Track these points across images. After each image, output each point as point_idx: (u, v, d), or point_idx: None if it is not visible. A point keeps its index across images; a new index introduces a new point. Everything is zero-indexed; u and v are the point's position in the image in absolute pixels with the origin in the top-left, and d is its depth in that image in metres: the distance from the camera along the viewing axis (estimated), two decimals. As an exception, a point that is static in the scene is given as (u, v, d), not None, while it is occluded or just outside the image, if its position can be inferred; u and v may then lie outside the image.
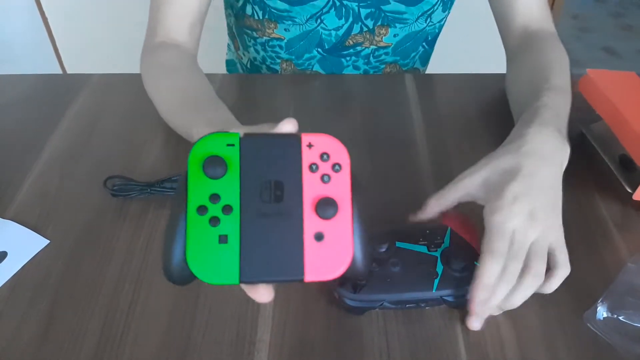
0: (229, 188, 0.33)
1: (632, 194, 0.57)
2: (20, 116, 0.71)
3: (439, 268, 0.46)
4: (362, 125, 0.69)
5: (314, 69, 0.83)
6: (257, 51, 0.83)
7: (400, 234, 0.48)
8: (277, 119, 0.37)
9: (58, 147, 0.66)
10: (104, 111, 0.72)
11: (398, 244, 0.47)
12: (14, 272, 0.51)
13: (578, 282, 0.50)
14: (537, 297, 0.48)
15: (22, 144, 0.67)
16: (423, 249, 0.47)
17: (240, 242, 0.32)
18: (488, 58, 1.19)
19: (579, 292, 0.49)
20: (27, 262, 0.52)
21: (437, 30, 0.83)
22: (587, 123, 0.65)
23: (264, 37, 0.79)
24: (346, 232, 0.34)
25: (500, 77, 0.75)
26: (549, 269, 0.44)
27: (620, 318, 0.46)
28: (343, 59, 0.82)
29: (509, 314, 0.47)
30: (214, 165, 0.33)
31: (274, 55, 0.82)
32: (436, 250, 0.47)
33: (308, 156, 0.34)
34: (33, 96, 0.75)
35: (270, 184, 0.34)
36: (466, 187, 0.48)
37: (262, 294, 0.35)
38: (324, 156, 0.35)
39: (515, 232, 0.43)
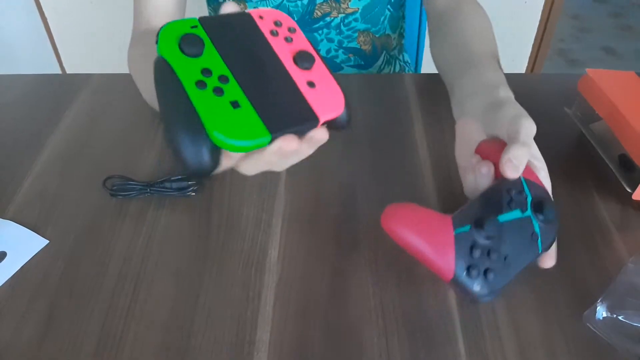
0: (214, 61, 0.33)
1: (631, 194, 0.57)
2: (20, 116, 0.71)
3: (536, 227, 0.45)
4: (362, 125, 0.69)
5: None
6: None
7: (491, 207, 0.45)
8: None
9: (57, 147, 0.66)
10: (103, 111, 0.72)
11: (500, 218, 0.44)
12: (14, 272, 0.51)
13: (577, 282, 0.50)
14: (537, 298, 0.49)
15: (22, 143, 0.67)
16: (517, 213, 0.44)
17: (251, 103, 0.33)
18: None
19: (578, 292, 0.49)
20: (27, 262, 0.52)
21: None
22: (587, 123, 0.65)
23: None
24: (328, 76, 0.37)
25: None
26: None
27: (620, 318, 0.46)
28: (316, 34, 0.83)
29: (509, 315, 0.47)
30: (192, 42, 0.33)
31: None
32: (526, 209, 0.45)
33: (264, 26, 0.37)
34: (32, 96, 0.75)
35: (247, 52, 0.35)
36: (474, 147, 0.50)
37: (292, 141, 0.34)
38: (277, 22, 0.37)
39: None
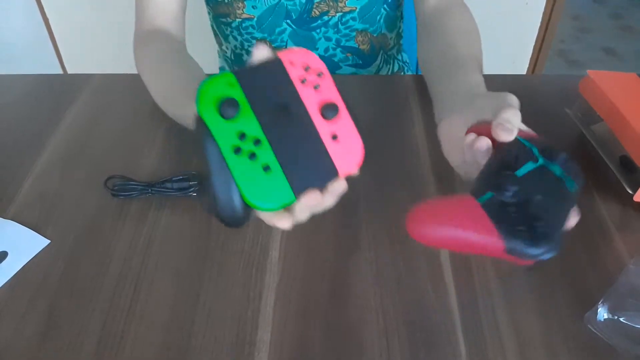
0: (249, 122, 0.36)
1: (632, 195, 0.57)
2: (21, 116, 0.72)
3: (556, 170, 0.42)
4: (362, 126, 0.69)
5: (287, 46, 0.85)
6: (235, 38, 0.86)
7: (502, 169, 0.42)
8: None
9: (59, 147, 0.66)
10: (104, 111, 0.72)
11: (518, 172, 0.42)
12: (15, 272, 0.51)
13: (578, 283, 0.50)
14: (538, 299, 0.49)
15: (23, 144, 0.67)
16: (530, 165, 0.42)
17: (281, 165, 0.36)
18: (487, 59, 1.18)
19: (579, 293, 0.49)
20: (28, 262, 0.52)
21: None
22: (588, 124, 0.65)
23: (237, 20, 0.82)
24: (350, 126, 0.39)
25: (500, 78, 0.75)
26: None
27: (621, 319, 0.46)
28: (314, 33, 0.83)
29: (510, 315, 0.47)
30: (230, 107, 0.35)
31: (249, 37, 0.84)
32: (537, 159, 0.43)
33: (294, 73, 0.38)
34: (34, 96, 0.75)
35: (279, 107, 0.37)
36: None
37: (315, 197, 0.37)
38: (307, 67, 0.39)
39: None
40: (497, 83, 0.74)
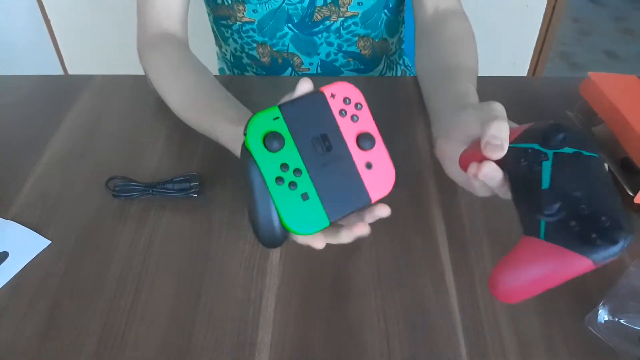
0: (291, 154, 0.39)
1: (633, 197, 0.57)
2: (22, 117, 0.72)
3: (569, 150, 0.41)
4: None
5: (289, 50, 0.84)
6: (235, 40, 0.86)
7: (528, 185, 0.41)
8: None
9: (60, 147, 0.66)
10: (105, 112, 0.72)
11: (544, 184, 0.40)
12: (15, 272, 0.52)
13: (579, 285, 0.50)
14: (539, 300, 0.49)
15: (24, 144, 0.67)
16: (547, 165, 0.41)
17: (318, 193, 0.39)
18: (488, 61, 1.18)
19: (580, 295, 0.49)
20: (29, 262, 0.52)
21: None
22: (589, 126, 0.65)
23: (237, 23, 0.82)
24: (385, 155, 0.42)
25: (501, 80, 0.75)
26: None
27: (622, 321, 0.46)
28: (315, 37, 0.83)
29: (510, 316, 0.47)
30: (275, 140, 0.39)
31: (249, 40, 0.84)
32: (546, 155, 0.42)
33: (335, 105, 0.41)
34: (35, 97, 0.75)
35: (319, 138, 0.40)
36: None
37: (360, 226, 0.42)
38: (346, 100, 0.42)
39: None
40: (498, 85, 0.74)
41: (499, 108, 0.46)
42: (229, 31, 0.84)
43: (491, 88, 0.74)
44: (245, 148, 0.39)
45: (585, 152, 0.41)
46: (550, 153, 0.42)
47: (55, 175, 0.62)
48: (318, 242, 0.43)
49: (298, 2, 0.78)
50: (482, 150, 0.42)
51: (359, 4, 0.79)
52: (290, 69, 0.87)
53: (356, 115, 0.42)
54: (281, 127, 0.40)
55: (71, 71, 1.90)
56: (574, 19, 2.72)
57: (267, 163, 0.39)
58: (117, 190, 0.58)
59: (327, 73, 0.87)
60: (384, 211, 0.43)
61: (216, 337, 0.46)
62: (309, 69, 0.87)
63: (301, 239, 0.43)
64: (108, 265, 0.52)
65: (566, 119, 0.67)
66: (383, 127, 0.69)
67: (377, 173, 0.42)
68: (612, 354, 0.45)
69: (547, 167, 0.41)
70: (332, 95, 0.42)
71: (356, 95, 0.43)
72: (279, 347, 0.45)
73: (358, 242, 0.54)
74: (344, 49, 0.85)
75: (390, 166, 0.43)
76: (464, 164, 0.46)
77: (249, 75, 0.89)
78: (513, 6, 1.69)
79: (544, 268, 0.38)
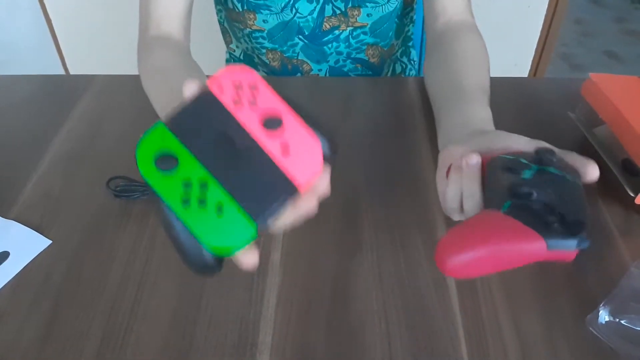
0: (190, 168, 0.34)
1: (634, 198, 0.57)
2: (24, 117, 0.72)
3: (552, 169, 0.42)
4: (365, 129, 0.69)
5: (299, 57, 0.85)
6: (246, 42, 0.86)
7: (507, 176, 0.42)
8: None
9: (61, 148, 0.66)
10: (107, 112, 0.72)
11: (526, 171, 0.41)
12: (16, 272, 0.52)
13: (580, 285, 0.50)
14: (540, 301, 0.49)
15: (26, 144, 0.67)
16: (528, 172, 0.42)
17: (234, 198, 0.34)
18: (490, 62, 1.19)
19: (581, 295, 0.49)
20: (30, 262, 0.52)
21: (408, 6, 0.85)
22: (590, 127, 0.65)
23: (247, 29, 0.82)
24: (301, 131, 0.36)
25: (503, 81, 0.75)
26: None
27: (623, 322, 0.46)
28: (325, 47, 0.83)
29: (512, 317, 0.47)
30: (165, 159, 0.34)
31: (258, 46, 0.84)
32: (530, 166, 0.42)
33: (226, 97, 0.36)
34: (37, 97, 0.75)
35: (218, 140, 0.35)
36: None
37: (292, 215, 0.36)
38: (238, 86, 0.37)
39: None
40: (499, 86, 0.74)
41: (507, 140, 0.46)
42: (240, 33, 0.85)
43: (492, 89, 0.74)
44: (144, 180, 0.35)
45: (568, 176, 0.41)
46: (534, 167, 0.42)
47: (57, 175, 0.62)
48: (248, 258, 0.36)
49: (309, 15, 0.78)
50: (586, 169, 0.42)
51: (368, 15, 0.79)
52: (299, 74, 0.88)
53: (253, 99, 0.37)
54: (171, 142, 0.35)
55: (73, 71, 1.90)
56: (575, 20, 2.72)
57: (167, 188, 0.34)
58: (119, 191, 0.58)
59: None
60: (308, 205, 0.37)
61: (217, 338, 0.46)
62: (318, 75, 0.88)
63: (235, 259, 0.37)
64: (109, 266, 0.52)
65: (567, 120, 0.67)
66: (383, 128, 0.69)
67: (298, 155, 0.35)
68: (612, 354, 0.45)
69: (528, 173, 0.41)
70: (220, 87, 0.37)
71: (247, 76, 0.37)
72: (280, 347, 0.45)
73: (359, 243, 0.54)
74: (352, 56, 0.86)
75: (311, 141, 0.36)
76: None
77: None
78: (514, 7, 1.69)
79: (496, 240, 0.37)
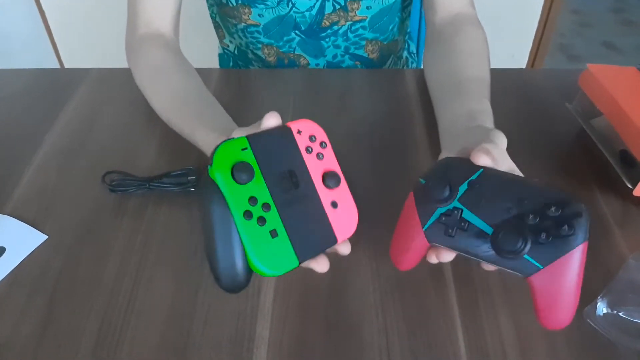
0: (259, 188, 0.37)
1: (632, 190, 0.57)
2: (18, 111, 0.71)
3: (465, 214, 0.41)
4: (362, 121, 0.69)
5: (295, 52, 0.84)
6: (240, 37, 0.85)
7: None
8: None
9: (56, 142, 0.66)
10: (102, 106, 0.72)
11: (464, 214, 0.41)
12: (12, 267, 0.51)
13: (578, 278, 0.50)
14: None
15: (20, 139, 0.66)
16: (459, 205, 0.41)
17: (286, 231, 0.37)
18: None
19: (579, 288, 0.49)
20: (26, 257, 0.52)
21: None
22: (588, 118, 0.65)
23: (242, 24, 0.81)
24: (348, 194, 0.42)
25: (500, 72, 0.74)
26: None
27: (621, 314, 0.46)
28: (323, 42, 0.82)
29: (509, 310, 0.47)
30: (244, 171, 0.36)
31: (254, 41, 0.83)
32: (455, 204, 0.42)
33: (301, 141, 0.41)
34: (31, 91, 0.75)
35: (286, 174, 0.39)
36: None
37: (323, 264, 0.41)
38: (312, 138, 0.41)
39: None
40: (497, 78, 0.74)
41: (500, 137, 0.45)
42: (235, 28, 0.84)
43: (491, 80, 0.73)
44: (208, 178, 0.37)
45: (473, 177, 0.41)
46: (457, 204, 0.41)
47: (52, 169, 0.62)
48: (322, 265, 0.41)
49: (306, 11, 0.77)
50: (473, 158, 0.41)
51: (367, 7, 0.78)
52: (296, 68, 0.86)
53: (321, 154, 0.41)
54: (249, 158, 0.37)
55: (67, 65, 1.89)
56: (573, 10, 2.71)
57: (235, 196, 0.36)
58: (114, 185, 0.58)
59: None
60: (345, 249, 0.42)
61: (214, 332, 0.46)
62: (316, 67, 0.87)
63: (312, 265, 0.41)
64: (105, 261, 0.52)
65: (565, 112, 0.67)
66: (381, 121, 0.69)
67: (342, 213, 0.41)
68: (610, 346, 0.45)
69: (469, 215, 0.40)
70: (299, 132, 0.41)
71: (321, 133, 0.42)
72: (277, 342, 0.45)
73: (356, 237, 0.54)
74: (351, 52, 0.85)
75: (353, 206, 0.42)
76: (401, 265, 0.45)
77: (252, 68, 0.88)
78: (512, -2, 1.68)
79: (568, 283, 0.39)
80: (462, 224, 0.40)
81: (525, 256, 0.39)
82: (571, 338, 0.45)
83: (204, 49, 1.15)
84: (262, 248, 0.36)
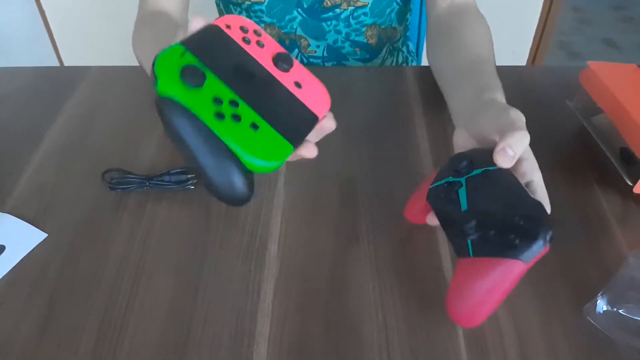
0: (217, 87, 0.34)
1: (632, 187, 0.56)
2: (18, 109, 0.71)
3: (478, 171, 0.44)
4: (362, 118, 0.69)
5: (297, 33, 0.84)
6: None
7: (451, 211, 0.45)
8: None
9: (56, 140, 0.66)
10: (102, 104, 0.72)
11: (462, 206, 0.44)
12: (12, 266, 0.51)
13: (578, 275, 0.50)
14: (537, 291, 0.48)
15: (20, 137, 0.66)
16: (463, 191, 0.44)
17: (266, 120, 0.34)
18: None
19: (578, 285, 0.49)
20: (25, 255, 0.52)
21: None
22: (588, 116, 0.65)
23: (247, 2, 0.82)
24: (306, 71, 0.39)
25: (500, 69, 0.74)
26: None
27: (621, 311, 0.46)
28: (324, 24, 0.83)
29: (509, 307, 0.47)
30: (194, 74, 0.33)
31: (257, 20, 0.84)
32: (461, 183, 0.45)
33: (235, 35, 0.37)
34: (31, 89, 0.75)
35: (237, 67, 0.35)
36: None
37: (311, 149, 0.39)
38: (244, 29, 0.38)
39: None
40: (497, 74, 0.74)
41: (519, 118, 0.46)
42: (238, 9, 0.84)
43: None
44: (160, 98, 0.32)
45: (491, 168, 0.43)
46: (462, 180, 0.45)
47: (52, 167, 0.62)
48: (311, 151, 0.39)
49: None
50: (494, 154, 0.43)
51: None
52: (297, 50, 0.87)
53: (260, 41, 0.38)
54: (192, 60, 0.34)
55: (67, 63, 1.89)
56: (573, 7, 2.71)
57: (197, 101, 0.32)
58: (114, 183, 0.58)
59: (333, 57, 0.87)
60: (330, 123, 0.40)
61: (214, 330, 0.46)
62: (316, 52, 0.87)
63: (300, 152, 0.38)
64: (105, 259, 0.52)
65: (565, 109, 0.67)
66: (381, 117, 0.69)
67: (310, 90, 0.38)
68: (610, 344, 0.45)
69: (462, 193, 0.44)
70: (228, 26, 0.37)
71: (249, 23, 0.39)
72: (278, 338, 0.45)
73: (356, 234, 0.54)
74: (351, 38, 0.85)
75: (317, 81, 0.39)
76: (411, 217, 0.53)
77: None
78: (512, -5, 1.68)
79: (483, 283, 0.41)
80: (453, 195, 0.44)
81: (468, 240, 0.41)
82: (571, 335, 0.45)
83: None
84: (251, 143, 0.33)
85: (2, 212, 0.56)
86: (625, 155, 0.59)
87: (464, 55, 0.63)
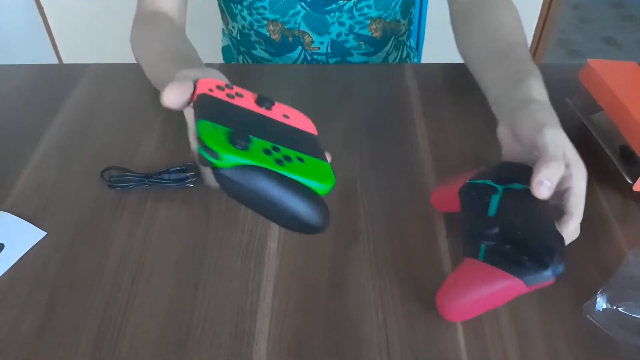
0: (258, 141, 0.37)
1: (632, 185, 0.56)
2: (17, 107, 0.71)
3: (518, 186, 0.45)
4: (362, 115, 0.68)
5: (300, 28, 0.84)
6: (243, 17, 0.84)
7: (475, 215, 0.46)
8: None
9: (55, 138, 0.66)
10: (101, 102, 0.72)
11: (490, 212, 0.45)
12: (11, 264, 0.51)
13: (577, 273, 0.50)
14: (536, 289, 0.48)
15: (19, 135, 0.66)
16: (495, 198, 0.46)
17: (303, 153, 0.38)
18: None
19: (578, 283, 0.49)
20: (24, 254, 0.52)
21: None
22: (588, 113, 0.65)
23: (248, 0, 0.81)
24: (284, 106, 0.43)
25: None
26: None
27: (620, 310, 0.46)
28: (327, 16, 0.82)
29: (509, 305, 0.47)
30: (242, 138, 0.35)
31: (259, 17, 0.83)
32: (496, 189, 0.46)
33: (221, 95, 0.40)
34: (30, 87, 0.75)
35: (247, 119, 0.39)
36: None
37: (329, 156, 0.41)
38: (220, 87, 0.41)
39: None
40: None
41: (552, 139, 0.46)
42: (239, 7, 0.83)
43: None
44: (224, 169, 0.35)
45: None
46: (500, 188, 0.46)
47: (51, 166, 0.62)
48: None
49: None
50: (531, 185, 0.43)
51: None
52: (300, 47, 0.86)
53: (239, 92, 0.41)
54: (225, 129, 0.36)
55: (66, 60, 1.88)
56: (573, 5, 2.70)
57: (257, 158, 0.35)
58: (113, 181, 0.58)
59: (337, 53, 0.87)
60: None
61: (214, 328, 0.46)
62: (319, 48, 0.86)
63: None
64: (105, 257, 0.52)
65: (565, 107, 0.67)
66: (380, 116, 0.69)
67: (296, 118, 0.42)
68: (609, 342, 0.45)
69: (495, 199, 0.45)
70: (211, 90, 0.40)
71: (220, 82, 0.42)
72: (277, 337, 0.45)
73: (356, 232, 0.54)
74: (355, 31, 0.85)
75: (294, 109, 0.43)
76: (434, 201, 0.54)
77: (256, 53, 0.88)
78: (512, -7, 1.67)
79: (481, 287, 0.42)
80: (485, 198, 0.46)
81: (483, 245, 0.43)
82: (571, 333, 0.45)
83: (207, 45, 1.14)
84: (313, 173, 0.37)
85: (1, 210, 0.56)
86: (625, 154, 0.59)
87: (497, 42, 0.62)
